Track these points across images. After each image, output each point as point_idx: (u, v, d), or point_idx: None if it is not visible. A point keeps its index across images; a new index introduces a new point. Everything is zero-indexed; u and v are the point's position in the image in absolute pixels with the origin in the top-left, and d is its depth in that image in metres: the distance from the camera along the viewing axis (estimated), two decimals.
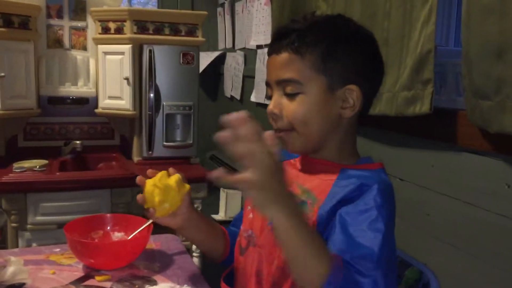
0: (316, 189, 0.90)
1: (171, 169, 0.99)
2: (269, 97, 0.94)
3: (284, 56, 0.89)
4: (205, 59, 3.18)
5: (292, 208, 0.73)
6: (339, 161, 0.93)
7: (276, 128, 0.92)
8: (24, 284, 0.97)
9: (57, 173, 2.03)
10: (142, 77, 2.23)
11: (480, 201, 1.24)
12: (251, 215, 1.01)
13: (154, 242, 1.21)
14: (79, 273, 1.03)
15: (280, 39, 0.91)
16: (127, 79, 2.20)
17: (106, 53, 2.25)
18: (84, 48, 2.40)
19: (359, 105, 0.90)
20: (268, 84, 0.94)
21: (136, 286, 0.97)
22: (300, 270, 0.75)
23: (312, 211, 0.87)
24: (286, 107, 0.90)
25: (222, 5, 3.16)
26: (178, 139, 2.34)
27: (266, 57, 2.57)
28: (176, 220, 0.98)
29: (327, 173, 0.92)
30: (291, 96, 0.89)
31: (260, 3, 2.53)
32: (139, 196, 0.94)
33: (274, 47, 0.92)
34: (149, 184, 0.94)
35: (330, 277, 0.72)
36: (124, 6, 2.45)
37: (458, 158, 1.32)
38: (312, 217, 0.86)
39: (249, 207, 1.03)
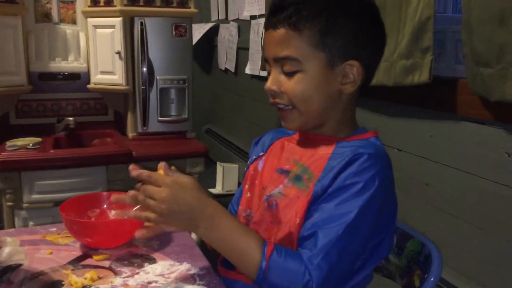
0: (313, 165, 0.89)
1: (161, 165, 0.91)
2: (267, 72, 0.92)
3: (281, 32, 0.86)
4: (198, 31, 3.12)
5: (208, 217, 0.81)
6: (336, 134, 0.92)
7: (275, 105, 0.90)
8: (21, 265, 0.95)
9: (51, 151, 2.00)
10: (134, 51, 2.19)
11: (479, 170, 1.23)
12: (248, 194, 1.00)
13: None
14: (77, 253, 1.01)
15: (277, 12, 0.87)
16: (118, 53, 2.15)
17: (96, 26, 2.20)
18: (74, 22, 2.34)
19: (360, 80, 0.88)
20: (266, 60, 0.91)
21: (135, 264, 0.96)
22: (236, 264, 0.84)
23: (308, 187, 0.87)
24: (285, 85, 0.87)
25: None
26: (173, 113, 2.31)
27: (261, 28, 2.52)
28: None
29: (324, 147, 0.91)
30: (289, 74, 0.87)
31: None
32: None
33: (270, 22, 0.88)
34: None
35: (262, 265, 0.79)
36: None
37: (458, 127, 1.30)
38: (309, 194, 0.85)
39: (246, 186, 1.02)
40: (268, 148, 1.03)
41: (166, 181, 0.80)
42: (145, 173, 0.83)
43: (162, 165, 0.85)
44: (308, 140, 0.95)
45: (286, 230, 0.87)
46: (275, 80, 0.88)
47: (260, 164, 1.02)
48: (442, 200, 1.36)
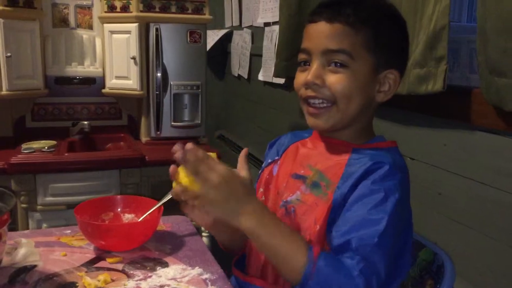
0: (329, 171, 0.89)
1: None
2: (301, 63, 0.91)
3: (337, 26, 0.86)
4: (212, 37, 3.14)
5: (255, 213, 0.80)
6: (352, 140, 0.91)
7: (311, 99, 0.89)
8: (35, 266, 0.97)
9: (66, 154, 2.03)
10: (149, 56, 2.21)
11: (493, 180, 1.23)
12: (263, 198, 1.00)
13: (164, 224, 1.21)
14: (90, 255, 1.02)
15: (333, 6, 0.87)
16: (134, 58, 2.18)
17: (112, 32, 2.23)
18: (90, 27, 2.38)
19: (394, 91, 0.89)
20: (306, 51, 0.90)
21: (148, 268, 0.97)
22: (279, 267, 0.81)
23: (327, 194, 0.86)
24: (330, 79, 0.86)
25: None
26: (186, 119, 2.33)
27: (274, 35, 2.52)
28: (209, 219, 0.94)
29: (339, 153, 0.90)
30: (336, 69, 0.86)
31: None
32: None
33: (324, 14, 0.87)
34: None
35: (308, 268, 0.76)
36: None
37: (471, 137, 1.29)
38: (328, 201, 0.85)
39: (261, 189, 1.02)
40: (283, 153, 1.03)
41: (222, 165, 0.81)
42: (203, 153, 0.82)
43: (245, 151, 0.90)
44: (323, 144, 0.95)
45: (306, 236, 0.87)
46: (318, 73, 0.87)
47: (275, 168, 1.02)
48: (455, 209, 1.35)
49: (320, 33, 0.87)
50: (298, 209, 0.91)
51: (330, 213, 0.85)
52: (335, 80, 0.86)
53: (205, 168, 0.79)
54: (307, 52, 0.90)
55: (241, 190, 0.81)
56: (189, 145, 0.80)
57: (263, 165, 1.07)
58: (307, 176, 0.93)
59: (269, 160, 1.05)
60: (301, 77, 0.90)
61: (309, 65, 0.90)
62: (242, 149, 0.96)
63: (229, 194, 0.79)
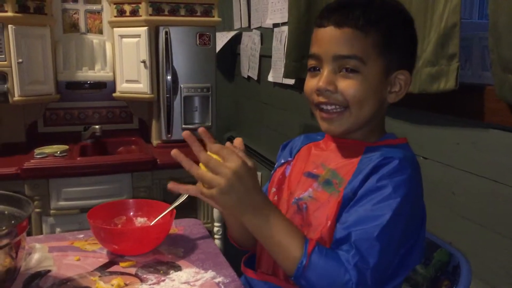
0: (342, 169, 0.89)
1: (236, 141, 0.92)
2: (312, 69, 0.91)
3: (347, 31, 0.85)
4: (221, 39, 3.14)
5: (259, 206, 0.81)
6: (365, 139, 0.92)
7: (324, 107, 0.89)
8: (49, 271, 0.97)
9: (78, 158, 2.04)
10: (159, 59, 2.22)
11: (508, 178, 1.21)
12: (275, 198, 1.00)
13: (177, 227, 1.21)
14: (104, 259, 1.03)
15: (342, 11, 0.87)
16: (144, 62, 2.18)
17: (122, 36, 2.24)
18: (100, 32, 2.39)
19: (405, 91, 0.89)
20: (316, 57, 0.89)
21: (161, 271, 0.97)
22: (275, 255, 0.83)
23: (338, 191, 0.87)
24: (342, 84, 0.86)
25: None
26: (197, 121, 2.33)
27: (283, 36, 2.52)
28: None
29: (353, 152, 0.91)
30: (347, 74, 0.86)
31: None
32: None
33: (332, 19, 0.87)
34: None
35: (302, 261, 0.78)
36: None
37: (485, 134, 1.28)
38: (338, 197, 0.85)
39: (273, 189, 1.02)
40: (296, 154, 1.03)
41: (236, 157, 0.79)
42: (216, 146, 0.83)
43: (239, 140, 0.88)
44: (336, 145, 0.95)
45: (317, 233, 0.87)
46: (330, 80, 0.87)
47: (288, 169, 1.02)
48: (469, 209, 1.33)
49: (330, 39, 0.87)
50: (310, 206, 0.91)
51: (340, 208, 0.85)
52: (347, 85, 0.86)
53: (215, 163, 0.79)
54: (316, 57, 0.89)
55: (250, 182, 0.80)
56: (202, 130, 0.85)
57: (275, 166, 1.07)
58: (319, 174, 0.93)
59: (282, 161, 1.06)
60: (312, 83, 0.90)
61: (319, 70, 0.89)
62: (253, 150, 0.97)
63: (241, 185, 0.79)
